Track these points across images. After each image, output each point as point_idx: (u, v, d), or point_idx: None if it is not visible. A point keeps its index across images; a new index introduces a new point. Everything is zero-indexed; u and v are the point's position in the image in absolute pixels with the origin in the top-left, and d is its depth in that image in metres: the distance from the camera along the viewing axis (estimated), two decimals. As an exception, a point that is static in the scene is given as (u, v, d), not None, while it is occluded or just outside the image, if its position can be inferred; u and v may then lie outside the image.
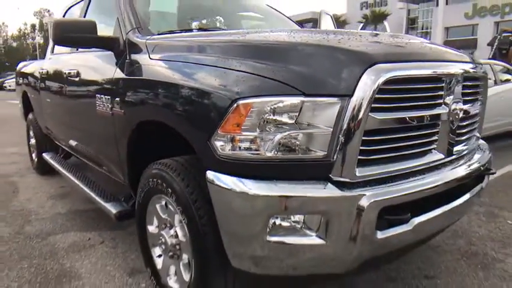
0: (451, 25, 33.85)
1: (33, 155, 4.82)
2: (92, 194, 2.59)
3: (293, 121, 1.34)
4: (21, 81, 4.87)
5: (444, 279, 2.22)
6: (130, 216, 2.32)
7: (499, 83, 6.17)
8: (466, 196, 1.76)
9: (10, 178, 4.56)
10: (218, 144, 1.41)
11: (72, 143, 3.19)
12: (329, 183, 1.34)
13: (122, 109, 2.01)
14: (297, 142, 1.34)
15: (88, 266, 2.43)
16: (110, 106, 2.15)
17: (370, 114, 1.33)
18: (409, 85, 1.46)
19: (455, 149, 1.75)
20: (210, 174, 1.44)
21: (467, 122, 1.85)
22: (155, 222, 1.98)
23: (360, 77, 1.32)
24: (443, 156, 1.67)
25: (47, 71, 3.50)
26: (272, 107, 1.33)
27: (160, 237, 1.88)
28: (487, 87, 2.06)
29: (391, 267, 2.32)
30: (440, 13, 10.64)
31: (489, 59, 13.86)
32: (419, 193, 1.48)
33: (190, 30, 2.39)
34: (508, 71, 6.87)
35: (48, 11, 72.99)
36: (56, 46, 3.68)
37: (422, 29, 39.31)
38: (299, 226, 1.35)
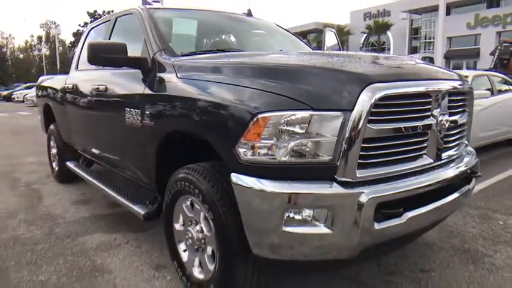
0: (453, 35, 34.15)
1: (54, 164, 5.11)
2: (120, 198, 2.86)
3: (303, 131, 1.61)
4: (42, 94, 5.20)
5: (438, 272, 2.46)
6: (156, 217, 2.59)
7: (496, 93, 6.43)
8: (454, 195, 2.02)
9: (32, 186, 4.85)
10: (241, 150, 1.69)
11: (97, 151, 3.48)
12: (334, 183, 1.61)
13: (152, 121, 2.30)
14: (307, 149, 1.62)
15: (117, 263, 2.69)
16: (139, 118, 2.43)
17: (367, 125, 1.61)
18: (400, 100, 1.73)
19: (444, 154, 2.02)
20: (234, 176, 1.71)
21: (454, 131, 2.13)
22: (181, 220, 2.25)
23: (359, 95, 1.60)
24: (432, 161, 1.94)
25: (73, 86, 3.80)
26: (286, 120, 1.61)
27: (187, 233, 2.15)
28: (472, 100, 2.33)
29: (390, 262, 2.57)
30: (441, 23, 10.93)
31: (490, 69, 14.15)
32: (410, 191, 1.75)
33: (210, 51, 2.67)
34: (505, 82, 7.13)
35: (55, 23, 74.09)
36: (79, 63, 4.00)
37: (425, 39, 39.68)
38: (309, 218, 1.62)
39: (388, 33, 41.21)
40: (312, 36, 48.30)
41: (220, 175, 1.92)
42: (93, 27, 3.98)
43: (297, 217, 1.62)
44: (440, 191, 1.94)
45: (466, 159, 2.24)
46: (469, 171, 2.18)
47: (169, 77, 2.27)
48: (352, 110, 1.59)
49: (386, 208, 1.67)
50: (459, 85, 2.15)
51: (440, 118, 1.91)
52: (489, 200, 3.91)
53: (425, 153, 1.91)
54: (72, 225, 3.42)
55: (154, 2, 22.34)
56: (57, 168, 4.91)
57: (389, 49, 43.22)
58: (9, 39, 70.72)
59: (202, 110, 1.91)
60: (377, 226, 1.64)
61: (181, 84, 2.15)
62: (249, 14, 3.60)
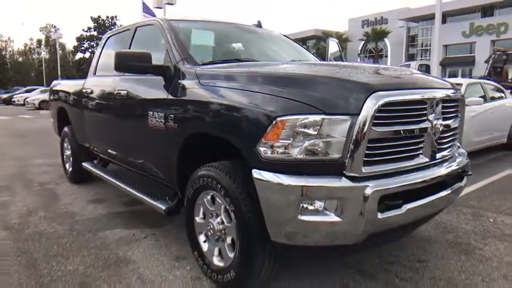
0: (449, 43, 34.71)
1: (67, 165, 5.32)
2: (142, 195, 3.09)
3: (316, 132, 1.86)
4: (57, 97, 5.43)
5: (433, 262, 2.71)
6: (177, 212, 2.83)
7: (489, 100, 6.72)
8: (447, 191, 2.28)
9: (47, 186, 5.07)
10: (261, 149, 1.93)
11: (117, 152, 3.72)
12: (343, 177, 1.86)
13: (176, 123, 2.54)
14: (319, 148, 1.87)
15: (138, 255, 2.92)
16: (162, 121, 2.68)
17: (372, 128, 1.86)
18: (400, 106, 1.99)
19: (438, 154, 2.27)
20: (255, 172, 1.96)
21: (447, 134, 2.38)
22: (201, 213, 2.49)
23: (365, 101, 1.85)
24: (428, 160, 2.19)
25: (92, 90, 4.04)
26: (301, 123, 1.86)
27: (208, 225, 2.39)
28: (464, 107, 2.60)
29: (390, 254, 2.82)
30: (436, 33, 11.27)
31: (484, 76, 14.51)
32: (408, 186, 2.00)
33: (227, 61, 2.92)
34: (498, 90, 7.44)
35: (55, 26, 74.22)
36: (97, 69, 4.25)
37: (422, 46, 40.23)
38: (321, 208, 1.86)
39: (386, 40, 41.76)
40: (311, 42, 48.82)
41: (240, 172, 2.17)
42: (111, 36, 4.23)
43: (311, 207, 1.86)
44: (434, 187, 2.20)
45: (458, 160, 2.49)
46: (460, 170, 2.43)
47: (193, 84, 2.51)
48: (359, 114, 1.84)
49: (388, 200, 1.92)
50: (452, 93, 2.41)
51: (434, 122, 2.17)
52: (481, 200, 4.17)
53: (421, 153, 2.16)
54: (91, 222, 3.64)
55: (155, 8, 22.65)
56: (70, 169, 5.12)
57: (386, 56, 43.77)
58: (8, 42, 70.81)
59: (226, 113, 2.16)
60: (380, 216, 1.89)
61: (204, 90, 2.40)
62: (259, 25, 3.86)
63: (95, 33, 40.09)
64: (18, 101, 30.54)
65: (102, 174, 3.99)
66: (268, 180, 1.90)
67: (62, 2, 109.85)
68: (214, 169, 2.28)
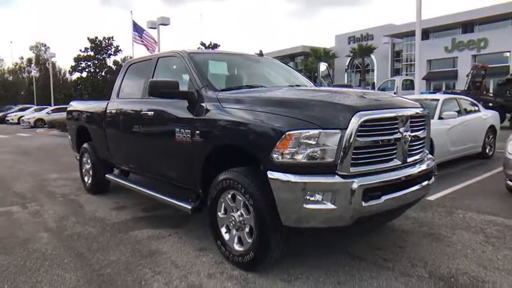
0: (433, 58, 36.11)
1: (86, 178, 5.88)
2: (168, 199, 3.70)
3: (315, 142, 2.51)
4: (76, 117, 6.03)
5: (410, 248, 3.36)
6: (200, 210, 3.44)
7: (464, 113, 7.47)
8: (417, 186, 2.94)
9: (69, 196, 5.62)
10: (274, 156, 2.58)
11: (141, 164, 4.32)
12: (336, 175, 2.51)
13: (202, 138, 3.18)
14: (317, 154, 2.51)
15: (167, 247, 3.50)
16: (189, 136, 3.30)
17: (356, 138, 2.52)
18: (377, 122, 2.66)
19: (409, 158, 2.94)
20: (270, 173, 2.60)
21: (417, 143, 3.06)
22: (223, 209, 3.11)
23: (351, 119, 2.52)
24: (400, 163, 2.85)
25: (116, 111, 4.66)
26: (303, 135, 2.51)
27: (230, 218, 3.00)
28: (429, 121, 3.29)
29: (376, 242, 3.45)
30: (417, 50, 12.15)
31: (463, 91, 15.43)
32: (385, 182, 2.66)
33: (241, 87, 3.59)
34: (472, 104, 8.22)
35: (45, 45, 74.47)
36: (120, 92, 4.87)
37: (406, 61, 41.68)
38: (320, 199, 2.50)
39: (372, 56, 43.12)
40: (299, 59, 50.09)
41: (255, 174, 2.81)
42: (132, 64, 4.88)
43: (313, 198, 2.50)
44: (407, 183, 2.86)
45: (426, 162, 3.16)
46: (428, 170, 3.10)
47: (216, 107, 3.16)
48: (347, 128, 2.50)
49: (370, 192, 2.57)
50: (420, 111, 3.10)
51: (404, 134, 2.84)
52: (454, 201, 4.85)
53: (395, 157, 2.82)
54: (119, 225, 4.21)
55: (150, 28, 23.42)
56: (90, 181, 5.68)
57: (373, 70, 45.16)
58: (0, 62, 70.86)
59: (247, 129, 2.81)
60: (364, 204, 2.54)
61: (226, 112, 3.04)
62: (261, 54, 4.55)
63: (92, 53, 40.83)
64: (12, 119, 30.81)
65: (127, 183, 4.58)
66: (281, 179, 2.54)
67: (50, 21, 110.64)
68: (235, 173, 2.91)
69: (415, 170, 2.96)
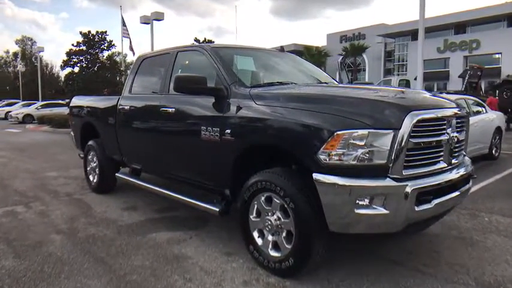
0: (425, 58, 36.05)
1: (90, 177, 5.63)
2: (193, 200, 3.51)
3: (365, 143, 2.36)
4: (82, 113, 5.77)
5: (447, 252, 3.24)
6: (227, 213, 3.26)
7: (472, 114, 7.43)
8: (459, 191, 2.81)
9: (74, 196, 5.38)
10: (321, 157, 2.42)
11: (156, 162, 4.12)
12: (388, 178, 2.36)
13: (233, 137, 3.00)
14: (368, 155, 2.37)
15: (192, 251, 3.32)
16: (218, 135, 3.12)
17: (410, 139, 2.38)
18: (429, 122, 2.52)
19: (453, 161, 2.81)
20: (316, 175, 2.44)
21: (458, 144, 2.93)
22: (255, 212, 2.94)
23: (404, 118, 2.38)
24: (446, 165, 2.73)
25: (130, 107, 4.44)
26: (354, 135, 2.36)
27: (265, 222, 2.83)
28: (468, 121, 3.17)
29: (408, 246, 3.33)
30: (420, 50, 12.15)
31: (462, 91, 15.51)
32: (436, 185, 2.53)
33: (271, 84, 3.42)
34: (478, 104, 8.19)
35: (31, 39, 73.06)
36: (133, 87, 4.65)
37: (398, 61, 41.93)
38: (372, 203, 2.35)
39: (364, 55, 43.25)
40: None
41: (296, 176, 2.65)
42: (146, 58, 4.65)
43: (364, 202, 2.36)
44: (451, 187, 2.73)
45: (466, 165, 3.04)
46: (468, 174, 2.98)
47: (249, 103, 2.98)
48: (400, 128, 2.36)
49: (422, 196, 2.44)
50: (459, 111, 2.97)
51: (451, 135, 2.71)
52: (474, 203, 4.76)
53: (442, 159, 2.70)
54: (135, 227, 4.01)
55: (143, 23, 23.00)
56: (96, 180, 5.44)
57: (364, 70, 45.31)
58: (-15, 56, 69.21)
59: (288, 128, 2.64)
60: (417, 208, 2.40)
61: (263, 109, 2.86)
62: (282, 50, 4.39)
63: (84, 47, 40.09)
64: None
65: (142, 183, 4.37)
66: (329, 181, 2.38)
67: (32, 15, 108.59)
68: (271, 174, 2.75)
69: (459, 173, 2.84)
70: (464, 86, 16.85)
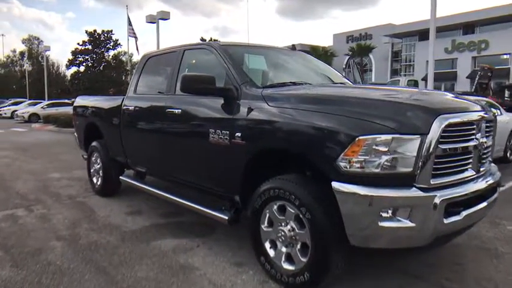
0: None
1: (94, 179, 5.46)
2: (201, 207, 3.31)
3: (390, 150, 2.16)
4: (85, 113, 5.61)
5: (471, 265, 3.03)
6: (237, 221, 3.07)
7: (487, 116, 7.18)
8: (487, 202, 2.60)
9: (76, 199, 5.21)
10: (342, 164, 2.22)
11: (162, 165, 3.94)
12: (414, 188, 2.16)
13: (244, 140, 2.80)
14: (393, 163, 2.17)
15: (199, 262, 3.12)
16: (227, 138, 2.93)
17: (438, 145, 2.18)
18: (458, 127, 2.32)
19: (481, 168, 2.61)
20: (335, 184, 2.24)
21: (486, 151, 2.72)
22: (267, 222, 2.74)
23: (433, 122, 2.17)
24: (474, 173, 2.52)
25: (134, 107, 4.26)
26: (378, 141, 2.16)
27: (278, 232, 2.63)
28: (496, 125, 2.95)
29: (429, 259, 3.12)
30: (431, 47, 11.86)
31: (471, 92, 15.22)
32: (466, 195, 2.32)
33: (284, 84, 3.22)
34: (491, 106, 7.94)
35: (38, 38, 73.39)
36: (138, 86, 4.47)
37: (405, 62, 41.54)
38: (398, 215, 2.15)
39: (370, 55, 42.88)
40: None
41: (312, 184, 2.45)
42: (151, 57, 4.47)
43: (388, 215, 2.16)
44: (481, 197, 2.52)
45: (493, 173, 2.83)
46: (496, 182, 2.77)
47: (261, 105, 2.78)
48: (428, 133, 2.16)
49: (451, 207, 2.23)
50: (486, 114, 2.76)
51: (480, 140, 2.50)
52: (493, 210, 4.52)
53: (470, 167, 2.49)
54: (139, 233, 3.83)
55: (148, 22, 22.87)
56: (99, 183, 5.27)
57: (371, 70, 44.93)
58: (-9, 55, 69.56)
59: (305, 132, 2.43)
60: (445, 221, 2.20)
61: (276, 111, 2.66)
62: (293, 48, 4.19)
63: (90, 47, 40.15)
64: (5, 113, 30.11)
65: (148, 187, 4.19)
66: (351, 191, 2.18)
67: (39, 14, 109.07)
68: (285, 181, 2.55)
69: (488, 181, 2.63)
70: (474, 87, 16.55)
